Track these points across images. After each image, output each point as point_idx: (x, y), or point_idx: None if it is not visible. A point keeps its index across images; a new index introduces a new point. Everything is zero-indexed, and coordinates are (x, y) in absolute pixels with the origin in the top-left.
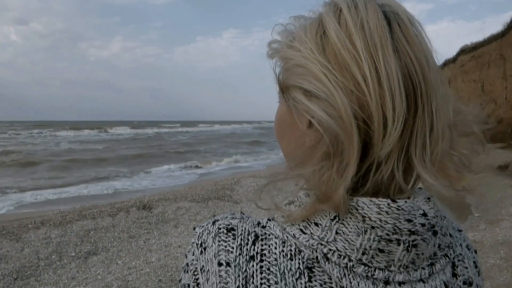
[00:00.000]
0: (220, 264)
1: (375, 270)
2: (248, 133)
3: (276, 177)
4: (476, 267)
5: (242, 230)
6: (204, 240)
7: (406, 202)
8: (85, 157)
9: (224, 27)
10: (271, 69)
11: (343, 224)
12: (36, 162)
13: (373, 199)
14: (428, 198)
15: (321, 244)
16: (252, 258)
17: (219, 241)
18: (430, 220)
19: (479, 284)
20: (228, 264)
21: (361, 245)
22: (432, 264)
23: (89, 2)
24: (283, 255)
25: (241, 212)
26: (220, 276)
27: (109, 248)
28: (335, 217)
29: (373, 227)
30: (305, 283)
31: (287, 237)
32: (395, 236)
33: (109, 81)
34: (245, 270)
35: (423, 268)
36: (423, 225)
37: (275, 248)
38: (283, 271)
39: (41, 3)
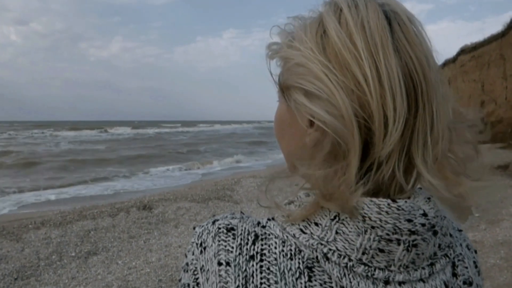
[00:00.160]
0: (220, 264)
1: (375, 270)
2: (249, 133)
3: (279, 175)
4: (476, 267)
5: (242, 229)
6: (204, 239)
7: (406, 202)
8: (85, 157)
9: (224, 27)
10: (270, 70)
11: (343, 224)
12: (36, 162)
13: (373, 199)
14: (428, 198)
15: (321, 244)
16: (252, 257)
17: (219, 241)
18: (430, 220)
19: (479, 284)
20: (228, 264)
21: (361, 245)
22: (432, 264)
23: (89, 2)
24: (283, 255)
25: (241, 212)
26: (220, 275)
27: (109, 248)
28: (335, 217)
29: (373, 227)
30: (305, 282)
31: (287, 236)
32: (395, 236)
33: (109, 81)
34: (245, 270)
35: (423, 268)
36: (423, 225)
37: (275, 247)
38: (283, 270)
39: (41, 3)
